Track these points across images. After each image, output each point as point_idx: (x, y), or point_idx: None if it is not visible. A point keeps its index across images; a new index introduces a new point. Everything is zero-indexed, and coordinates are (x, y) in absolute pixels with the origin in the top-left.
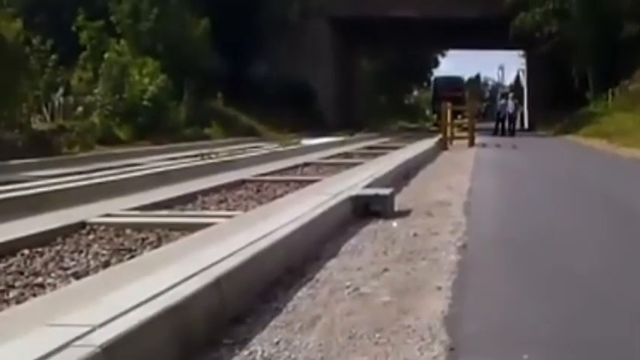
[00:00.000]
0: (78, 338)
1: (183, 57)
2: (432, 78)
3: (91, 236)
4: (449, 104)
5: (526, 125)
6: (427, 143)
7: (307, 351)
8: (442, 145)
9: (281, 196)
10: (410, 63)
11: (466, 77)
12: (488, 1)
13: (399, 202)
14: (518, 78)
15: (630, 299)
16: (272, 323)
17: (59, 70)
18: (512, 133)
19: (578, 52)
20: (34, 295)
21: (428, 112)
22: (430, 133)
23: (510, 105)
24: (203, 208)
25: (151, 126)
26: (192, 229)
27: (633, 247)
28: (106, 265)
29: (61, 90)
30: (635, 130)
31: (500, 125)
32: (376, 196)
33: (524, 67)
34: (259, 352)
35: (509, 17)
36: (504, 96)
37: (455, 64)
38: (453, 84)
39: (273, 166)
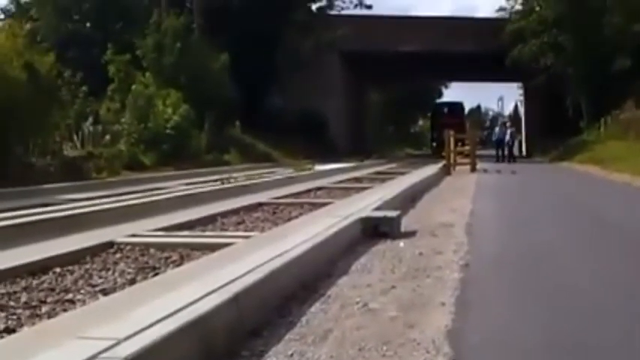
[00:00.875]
0: (105, 350)
1: (204, 88)
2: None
3: (118, 255)
4: (452, 132)
5: (524, 152)
6: (431, 169)
7: None
8: (446, 171)
9: (295, 217)
10: (415, 94)
11: (468, 107)
12: (486, 36)
13: (406, 224)
14: (516, 108)
15: (617, 306)
16: (287, 336)
17: (89, 100)
18: (509, 159)
19: (572, 83)
20: (65, 310)
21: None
22: (435, 160)
23: (507, 133)
24: (222, 229)
25: (174, 153)
26: (212, 249)
27: (623, 261)
28: (132, 282)
29: (90, 119)
30: (627, 157)
31: (500, 152)
32: (384, 217)
33: (521, 98)
34: None
35: (506, 51)
36: (503, 125)
37: (457, 95)
38: (452, 110)
39: (287, 190)
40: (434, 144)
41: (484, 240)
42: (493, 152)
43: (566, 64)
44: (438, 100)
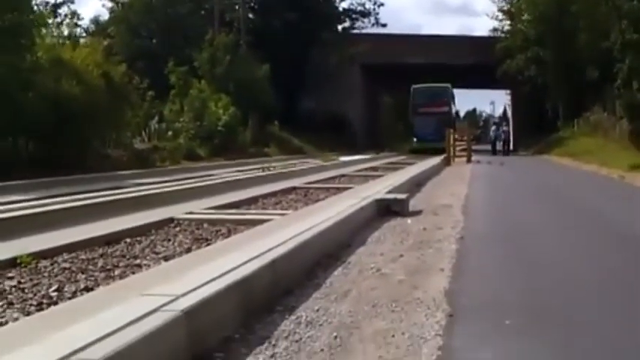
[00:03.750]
0: (165, 305)
1: (249, 94)
2: (412, 88)
3: (177, 229)
4: (450, 131)
5: (511, 147)
6: (434, 160)
7: (340, 316)
8: (446, 162)
9: (323, 199)
10: None
11: (464, 110)
12: (480, 51)
13: (413, 204)
14: (505, 111)
15: (581, 264)
16: (314, 295)
17: (154, 103)
18: (504, 153)
19: (551, 91)
20: (134, 272)
21: None
22: (438, 152)
23: (502, 132)
24: (263, 208)
25: (224, 146)
26: (254, 224)
27: (583, 230)
28: (188, 250)
29: (156, 118)
30: (595, 151)
31: (495, 147)
32: (395, 199)
33: (509, 102)
34: (304, 317)
35: (498, 64)
36: (496, 124)
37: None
38: (436, 95)
39: (316, 176)
40: (414, 140)
41: (476, 218)
42: (486, 147)
43: (546, 75)
44: (416, 85)
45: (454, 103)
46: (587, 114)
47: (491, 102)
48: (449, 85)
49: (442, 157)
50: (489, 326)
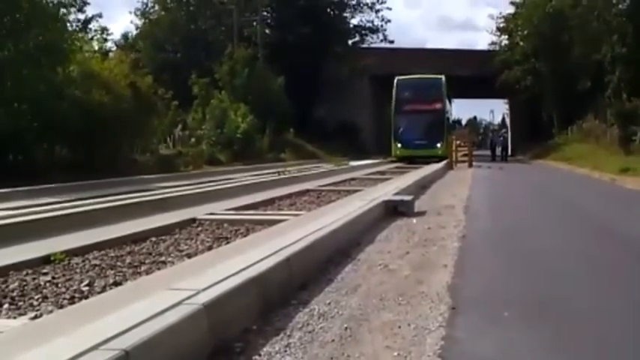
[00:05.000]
0: (187, 298)
1: (266, 103)
2: (395, 80)
3: (199, 228)
4: (453, 137)
5: (510, 152)
6: (438, 165)
7: (350, 309)
8: (449, 167)
9: (334, 200)
10: None
11: (465, 119)
12: (481, 64)
13: (418, 206)
14: (503, 118)
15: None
16: (326, 289)
17: (178, 112)
18: (503, 158)
19: (546, 100)
20: (159, 268)
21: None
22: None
23: (502, 138)
24: (279, 209)
25: (242, 152)
26: (270, 224)
27: (578, 228)
28: (210, 248)
29: (179, 126)
30: (587, 156)
31: (494, 153)
32: (402, 201)
33: (507, 110)
34: (317, 309)
35: (497, 75)
36: (495, 131)
37: (458, 108)
38: (426, 90)
39: (329, 180)
40: (398, 145)
41: (477, 218)
42: (486, 153)
43: (541, 85)
44: (401, 77)
45: (449, 100)
46: (580, 121)
47: (490, 111)
48: (442, 76)
49: (444, 162)
50: (489, 318)
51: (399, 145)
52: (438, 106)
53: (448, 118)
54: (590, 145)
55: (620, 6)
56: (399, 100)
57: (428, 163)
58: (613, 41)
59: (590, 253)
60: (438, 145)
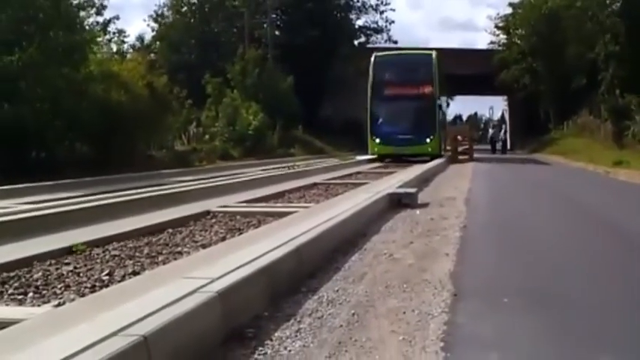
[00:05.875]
0: (202, 286)
1: (276, 101)
2: (372, 57)
3: (213, 220)
4: (452, 133)
5: (509, 147)
6: (440, 159)
7: (357, 296)
8: (450, 161)
9: (341, 193)
10: None
11: (466, 115)
12: (481, 63)
13: (421, 198)
14: (502, 114)
15: (571, 249)
16: (334, 277)
17: (193, 110)
18: (502, 152)
19: (543, 97)
20: (175, 259)
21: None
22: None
23: (501, 132)
24: (288, 202)
25: (254, 147)
26: (281, 215)
27: (573, 218)
28: (223, 239)
29: (194, 123)
30: (582, 150)
31: (494, 147)
32: (406, 193)
33: (506, 107)
34: (325, 297)
35: (496, 73)
36: (495, 127)
37: (459, 105)
38: (411, 69)
39: (336, 174)
40: (376, 140)
41: (478, 209)
42: (486, 147)
43: (538, 83)
44: (380, 53)
45: (443, 83)
46: (576, 117)
47: (490, 107)
48: (433, 52)
49: (446, 156)
50: (489, 304)
51: (378, 140)
52: (428, 90)
53: (440, 106)
54: (585, 140)
55: (614, 6)
56: (378, 83)
57: (418, 162)
58: (606, 40)
59: (587, 241)
60: (428, 140)
